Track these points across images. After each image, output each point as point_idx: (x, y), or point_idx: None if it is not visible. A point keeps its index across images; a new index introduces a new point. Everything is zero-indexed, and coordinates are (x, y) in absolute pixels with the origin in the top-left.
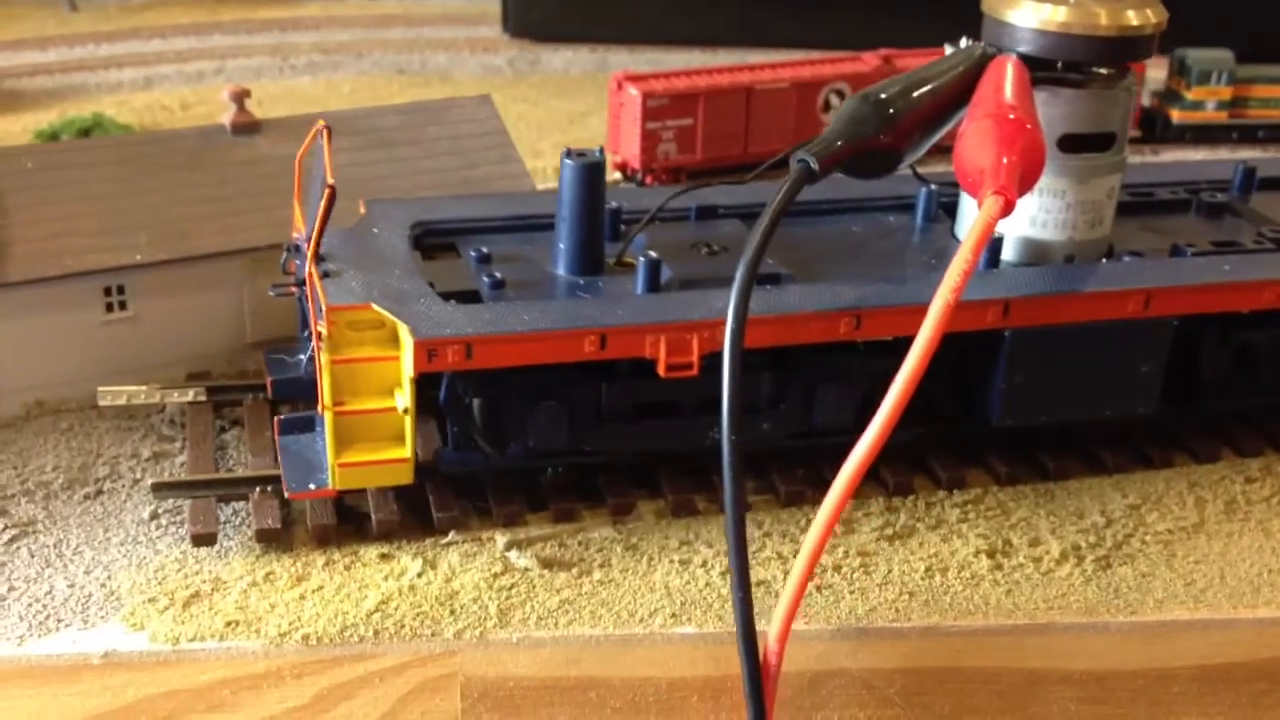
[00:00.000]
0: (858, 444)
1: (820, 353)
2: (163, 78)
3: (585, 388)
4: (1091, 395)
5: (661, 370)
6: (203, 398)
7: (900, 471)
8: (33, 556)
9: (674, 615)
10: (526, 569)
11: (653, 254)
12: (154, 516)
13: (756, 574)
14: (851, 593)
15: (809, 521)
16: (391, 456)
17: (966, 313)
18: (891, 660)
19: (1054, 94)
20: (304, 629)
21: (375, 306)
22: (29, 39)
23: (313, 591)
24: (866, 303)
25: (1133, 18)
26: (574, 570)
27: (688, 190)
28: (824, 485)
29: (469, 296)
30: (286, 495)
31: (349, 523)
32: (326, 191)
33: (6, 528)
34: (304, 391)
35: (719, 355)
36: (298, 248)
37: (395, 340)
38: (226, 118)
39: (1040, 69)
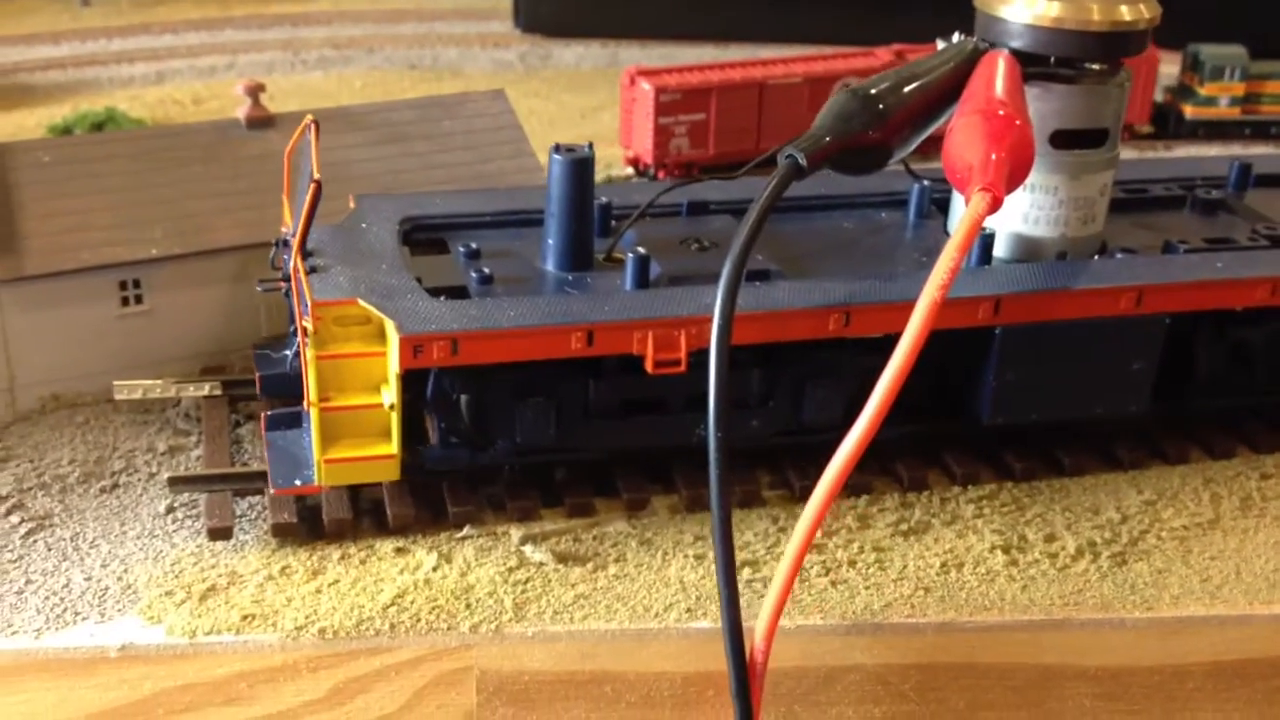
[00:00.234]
0: (844, 441)
1: (810, 350)
2: (174, 72)
3: (573, 384)
4: (1083, 393)
5: (649, 367)
6: (218, 392)
7: (915, 467)
8: (49, 550)
9: (689, 610)
10: (542, 563)
11: (642, 250)
12: (170, 510)
13: (770, 569)
14: (867, 588)
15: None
16: (378, 453)
17: (957, 310)
18: (907, 656)
19: (1046, 89)
20: (320, 622)
21: (361, 302)
22: (41, 33)
23: (329, 585)
24: (856, 299)
25: (1126, 13)
26: (589, 565)
27: (678, 186)
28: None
29: (457, 292)
30: (272, 491)
31: (364, 517)
32: (312, 186)
33: (23, 521)
34: (292, 387)
35: (707, 352)
36: (286, 243)
37: (382, 336)
38: (241, 112)
39: (1033, 64)
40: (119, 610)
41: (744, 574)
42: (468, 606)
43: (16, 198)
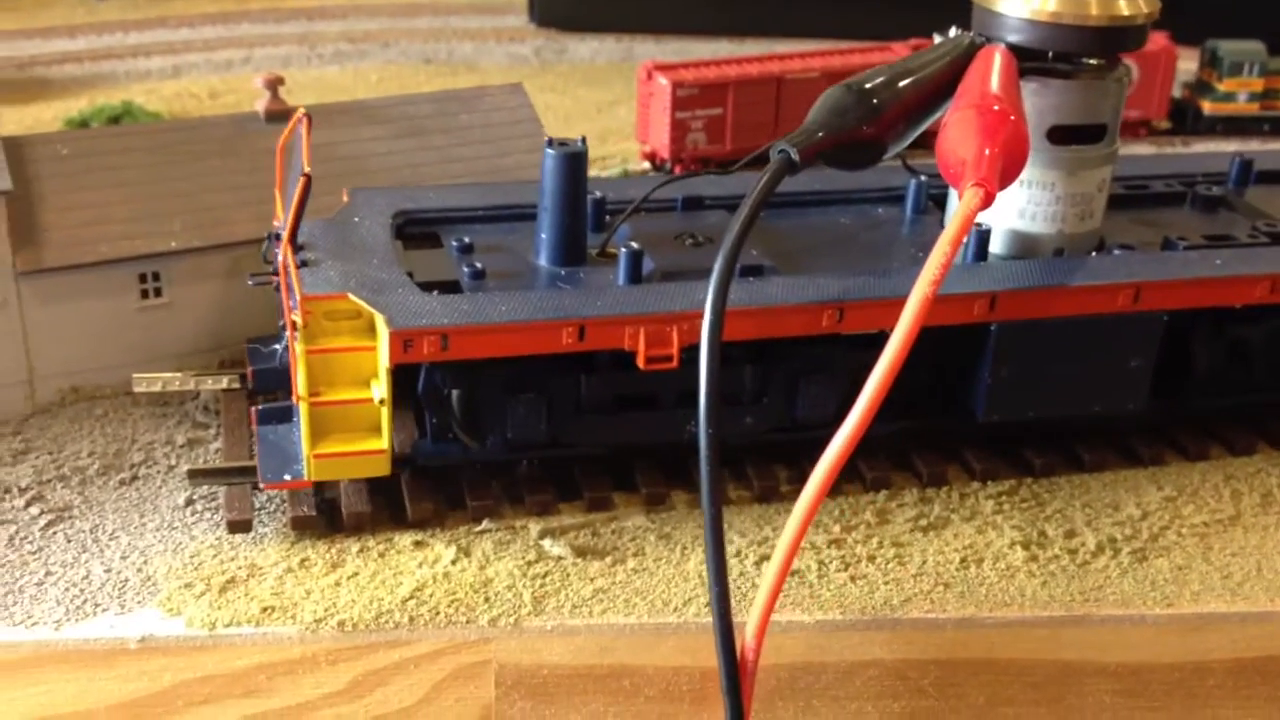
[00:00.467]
0: (834, 438)
1: (803, 346)
2: (191, 66)
3: (564, 380)
4: (1080, 390)
5: (641, 362)
6: (237, 385)
7: (934, 462)
8: (69, 541)
9: (708, 605)
10: (560, 557)
11: (635, 245)
12: (189, 502)
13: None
14: (886, 583)
15: (842, 513)
16: (368, 448)
17: (952, 306)
18: (926, 651)
19: (1044, 85)
20: (339, 615)
21: (352, 296)
22: (58, 27)
23: (348, 578)
24: (849, 295)
25: (1124, 7)
26: (608, 559)
27: (673, 181)
28: (851, 478)
29: (449, 287)
30: (261, 485)
31: (383, 510)
32: (301, 180)
33: (43, 513)
34: (283, 381)
35: (699, 347)
36: (278, 236)
37: (372, 330)
38: (260, 105)
39: (1030, 59)
40: (139, 602)
41: (763, 568)
42: (486, 600)
43: (36, 190)
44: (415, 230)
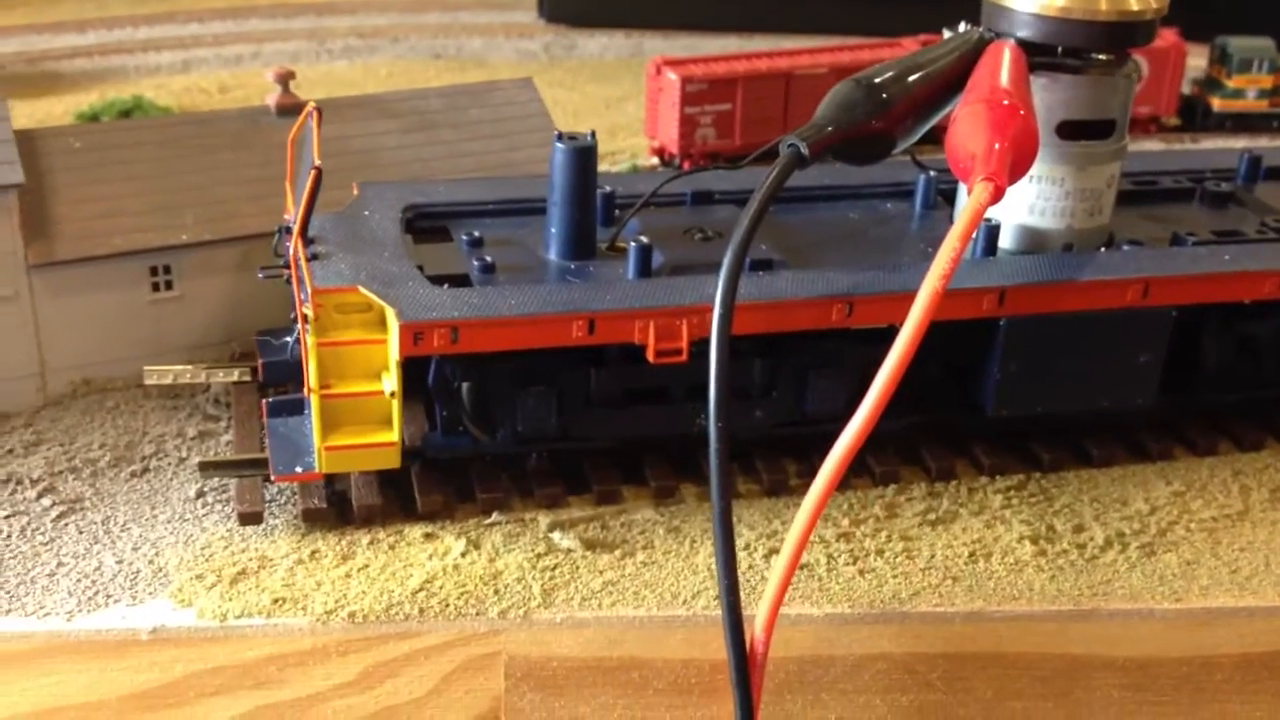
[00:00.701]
0: (844, 432)
1: (812, 340)
2: (200, 61)
3: (574, 373)
4: (1089, 386)
5: (650, 356)
6: (247, 378)
7: (942, 456)
8: (81, 533)
9: (717, 598)
10: (570, 550)
11: (644, 239)
12: (200, 495)
13: (801, 557)
14: (894, 577)
15: (850, 507)
16: (378, 440)
17: (962, 300)
18: (934, 645)
19: (1053, 80)
20: (350, 607)
21: (362, 289)
22: (68, 21)
23: (358, 570)
24: (859, 290)
25: (1133, 3)
26: (617, 552)
27: (683, 175)
28: (860, 472)
29: (459, 280)
30: (272, 478)
31: (393, 503)
32: (312, 173)
33: (55, 504)
34: (293, 374)
35: (708, 341)
36: (289, 229)
37: (382, 323)
38: (271, 99)
39: (1039, 54)
40: (150, 593)
41: (772, 561)
42: (496, 592)
43: (48, 183)
44: (425, 224)
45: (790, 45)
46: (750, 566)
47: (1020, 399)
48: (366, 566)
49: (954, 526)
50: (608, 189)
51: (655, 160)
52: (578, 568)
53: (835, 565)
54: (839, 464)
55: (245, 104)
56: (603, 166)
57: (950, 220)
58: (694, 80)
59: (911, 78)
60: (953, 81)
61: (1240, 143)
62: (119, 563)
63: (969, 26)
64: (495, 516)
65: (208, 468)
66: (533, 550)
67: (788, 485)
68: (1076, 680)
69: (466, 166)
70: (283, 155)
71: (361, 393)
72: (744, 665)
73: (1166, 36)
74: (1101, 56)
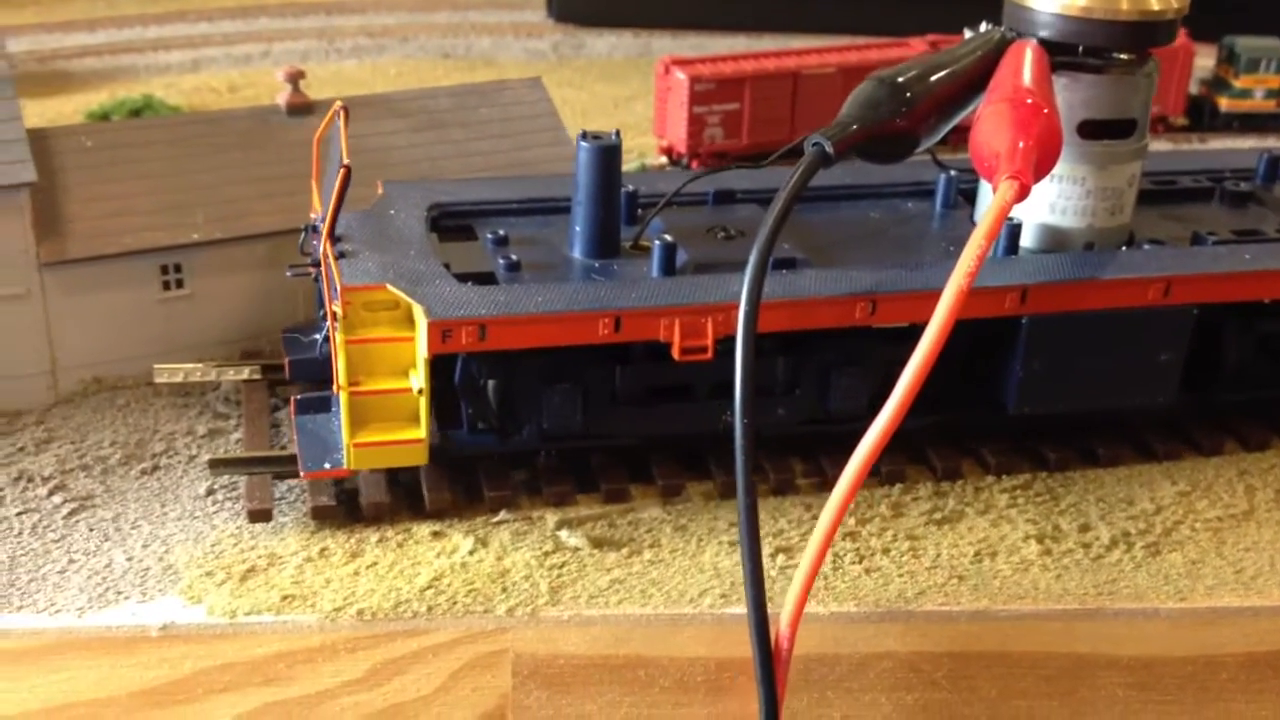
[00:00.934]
0: (869, 430)
1: (835, 338)
2: (210, 60)
3: (599, 371)
4: (1110, 384)
5: (676, 354)
6: (257, 376)
7: (948, 456)
8: (91, 530)
9: (723, 596)
10: (577, 548)
11: (668, 237)
12: (210, 492)
13: (801, 556)
14: (900, 576)
15: (856, 507)
16: (406, 437)
17: (984, 299)
18: (939, 644)
19: (1074, 79)
20: (358, 604)
21: (390, 287)
22: (78, 20)
23: (367, 567)
24: (882, 288)
25: (1154, 3)
26: (624, 550)
27: (705, 174)
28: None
29: (484, 278)
30: (301, 475)
31: (402, 501)
32: (341, 172)
33: (65, 501)
34: (320, 371)
35: (733, 339)
36: (315, 228)
37: (410, 321)
38: (281, 98)
39: (1060, 54)
40: (160, 590)
41: (778, 560)
42: (504, 590)
43: (60, 182)
44: (450, 223)
45: (799, 45)
46: None
47: (1042, 397)
48: (375, 564)
49: (960, 526)
50: (631, 188)
51: (664, 159)
52: (585, 566)
53: (841, 564)
54: (866, 459)
55: (255, 103)
56: None
57: (970, 219)
58: (702, 80)
59: (934, 77)
60: (975, 81)
61: (1248, 143)
62: (129, 560)
63: (990, 26)
64: (503, 515)
65: (218, 465)
66: (540, 548)
67: (794, 484)
68: (1081, 679)
69: (475, 166)
70: (293, 154)
71: (389, 390)
72: (769, 661)
73: None
74: (1123, 56)
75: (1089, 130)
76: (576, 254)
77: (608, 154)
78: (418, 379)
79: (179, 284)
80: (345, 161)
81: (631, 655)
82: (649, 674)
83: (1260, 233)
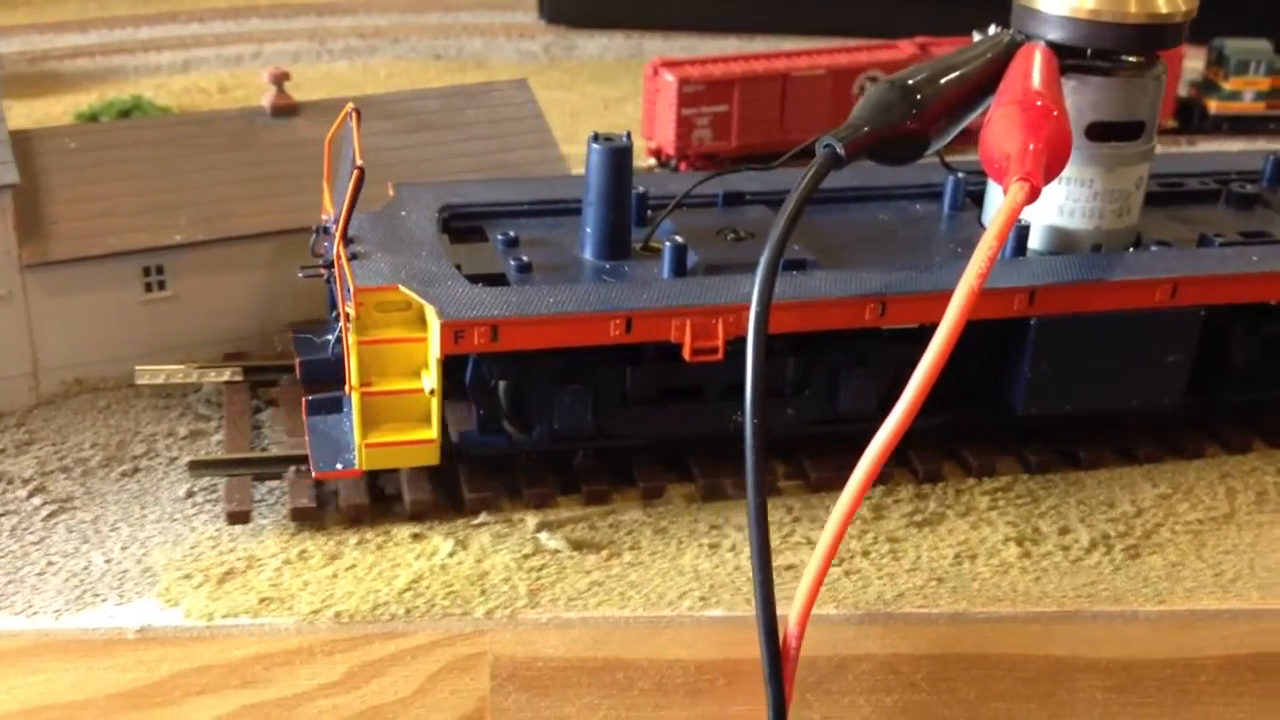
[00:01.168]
0: (881, 429)
1: (845, 339)
2: (200, 61)
3: (610, 371)
4: (1117, 385)
5: (687, 354)
6: (239, 378)
7: (930, 458)
8: (70, 532)
9: (703, 598)
10: (557, 550)
11: (679, 239)
12: (190, 494)
13: (785, 558)
14: (879, 578)
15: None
16: (418, 437)
17: (992, 300)
18: (918, 646)
19: (1083, 82)
20: (336, 606)
21: (403, 288)
22: (70, 21)
23: (345, 570)
24: (892, 289)
25: (1162, 6)
26: (604, 552)
27: (715, 176)
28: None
29: (495, 280)
30: (314, 475)
31: (382, 503)
32: (355, 173)
33: (45, 503)
34: (332, 372)
35: (744, 340)
36: (326, 229)
37: (422, 322)
38: (266, 100)
39: (1069, 57)
40: (138, 593)
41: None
42: (483, 592)
43: (43, 183)
44: (460, 224)
45: (790, 47)
46: (737, 568)
47: (1050, 398)
48: (354, 566)
49: (940, 528)
50: (641, 189)
51: (652, 161)
52: (564, 568)
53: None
54: (877, 458)
55: (245, 104)
56: None
57: (978, 221)
58: (691, 81)
59: (944, 79)
60: (985, 83)
61: (1237, 145)
62: (108, 562)
63: (998, 29)
64: (483, 517)
65: (197, 467)
66: (520, 551)
67: (775, 487)
68: (1060, 682)
69: (463, 167)
70: (277, 156)
71: (401, 390)
72: (777, 661)
73: None
74: (1131, 58)
75: (1097, 132)
76: (587, 255)
77: (619, 156)
78: (430, 379)
79: (161, 285)
80: (359, 163)
81: (610, 658)
82: (628, 676)
83: (1267, 234)
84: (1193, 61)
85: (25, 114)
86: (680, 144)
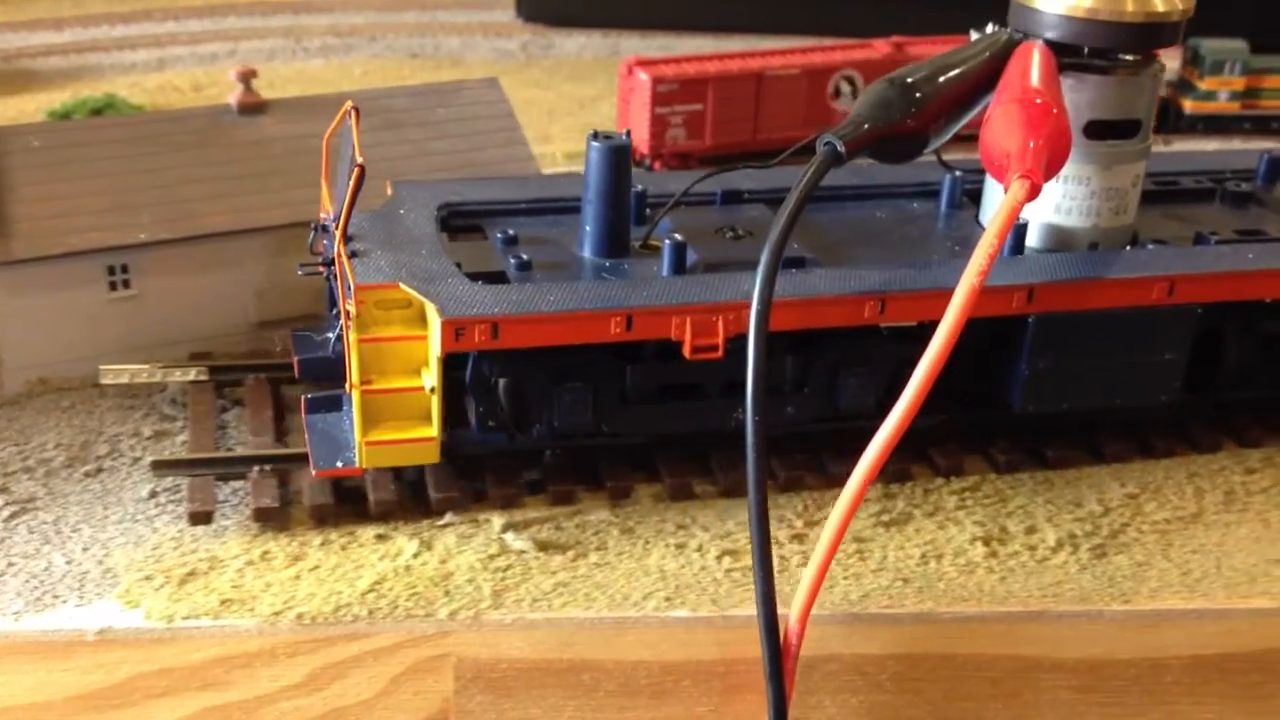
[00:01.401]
0: (883, 425)
1: (844, 337)
2: (175, 59)
3: (610, 369)
4: (1114, 382)
5: (687, 352)
6: (204, 377)
7: (898, 458)
8: (31, 533)
9: (668, 599)
10: (523, 551)
11: (678, 236)
12: (153, 495)
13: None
14: (845, 578)
15: (805, 508)
16: (418, 435)
17: (991, 298)
18: (885, 646)
19: (1080, 80)
20: (298, 608)
21: (403, 286)
22: (45, 19)
23: (308, 571)
24: (891, 287)
25: (1159, 4)
26: (570, 553)
27: (713, 174)
28: (815, 472)
29: (495, 277)
30: (314, 473)
31: (347, 503)
32: (355, 171)
33: (7, 504)
34: (330, 370)
35: (744, 338)
36: (325, 228)
37: (422, 320)
38: (233, 98)
39: (1066, 55)
40: (98, 594)
41: (724, 563)
42: (447, 593)
43: (6, 181)
44: (459, 222)
45: (767, 46)
46: (703, 568)
47: (1047, 396)
48: (317, 567)
49: (907, 528)
50: (639, 187)
51: None
52: (530, 569)
53: (787, 566)
54: (879, 456)
55: (219, 102)
56: (573, 168)
57: (975, 220)
58: (665, 80)
59: (944, 78)
60: (983, 82)
61: (1212, 145)
62: (68, 563)
63: (996, 28)
64: (449, 517)
65: (161, 467)
66: (485, 551)
67: (744, 486)
68: (1026, 681)
69: (433, 165)
70: (244, 154)
71: (402, 388)
72: (778, 659)
73: None
74: (1128, 57)
75: (1094, 131)
76: (586, 253)
77: (618, 154)
78: (430, 377)
79: (126, 284)
80: (359, 160)
81: (575, 659)
82: (593, 678)
83: (1262, 233)
84: (1169, 61)
85: None
86: (654, 143)
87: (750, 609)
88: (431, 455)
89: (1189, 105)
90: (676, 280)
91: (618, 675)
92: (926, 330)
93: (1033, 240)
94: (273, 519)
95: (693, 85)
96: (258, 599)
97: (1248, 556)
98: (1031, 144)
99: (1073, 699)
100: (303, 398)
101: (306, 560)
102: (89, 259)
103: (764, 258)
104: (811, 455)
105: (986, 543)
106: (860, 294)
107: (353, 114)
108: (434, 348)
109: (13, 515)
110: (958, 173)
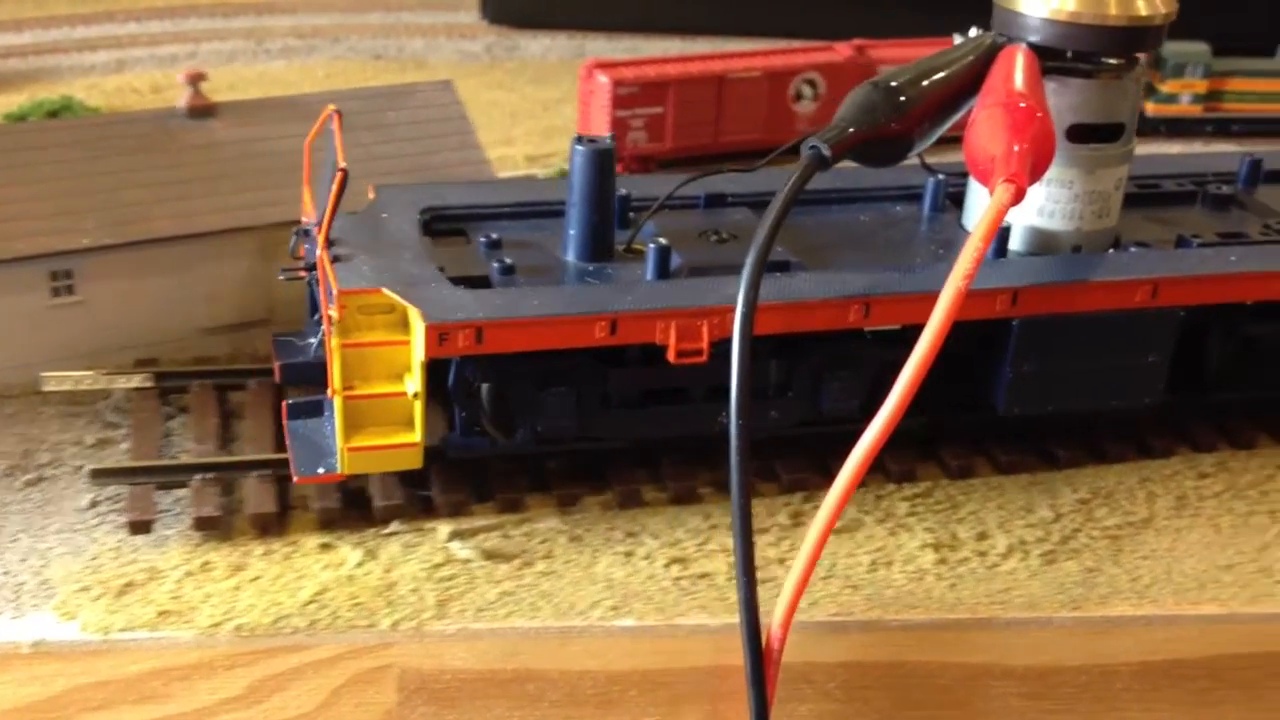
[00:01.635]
0: (868, 428)
1: (828, 340)
2: (135, 61)
3: (594, 374)
4: (1098, 385)
5: (671, 356)
6: (149, 384)
7: None
8: None
9: (614, 608)
10: (468, 560)
11: (663, 240)
12: (93, 504)
13: (702, 566)
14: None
15: (755, 516)
16: (401, 441)
17: (975, 301)
18: (834, 654)
19: (1063, 84)
20: (237, 619)
21: (386, 290)
22: (5, 21)
23: (249, 581)
24: (875, 290)
25: (1142, 8)
26: (516, 561)
27: (697, 178)
28: (768, 479)
29: (479, 282)
30: (295, 480)
31: (291, 512)
32: (338, 175)
33: None
34: (311, 375)
35: (728, 342)
36: (307, 232)
37: (405, 325)
38: (182, 100)
39: (1050, 58)
40: (34, 606)
41: (672, 570)
42: (389, 604)
43: None
44: (442, 226)
45: (732, 48)
46: (650, 576)
47: (1031, 399)
48: (258, 578)
49: (858, 534)
50: (623, 191)
51: None
52: (475, 578)
53: (735, 574)
54: (863, 460)
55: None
56: (533, 170)
57: (959, 223)
58: (625, 83)
59: (927, 81)
60: (967, 85)
61: (1175, 147)
62: (5, 574)
63: (980, 31)
64: (395, 526)
65: (100, 475)
66: (430, 560)
67: (695, 493)
68: (976, 689)
69: (383, 169)
70: (193, 158)
71: (384, 394)
72: (759, 664)
73: None
74: (1111, 61)
75: (1077, 134)
76: (570, 257)
77: (602, 158)
78: (413, 383)
79: (69, 290)
80: (341, 165)
81: (520, 669)
82: (538, 688)
83: (1244, 235)
84: None
85: None
86: (615, 146)
87: (697, 618)
88: (414, 461)
89: (1151, 108)
90: (661, 284)
91: (563, 685)
92: (910, 334)
93: (1016, 243)
94: (214, 528)
95: (653, 88)
96: (196, 610)
97: (1198, 562)
98: (1016, 148)
99: (1022, 706)
100: (284, 403)
101: (248, 570)
102: (31, 264)
103: (749, 262)
104: (802, 459)
105: (937, 549)
106: (845, 298)
107: (334, 119)
108: (417, 353)
109: None
110: (941, 176)
